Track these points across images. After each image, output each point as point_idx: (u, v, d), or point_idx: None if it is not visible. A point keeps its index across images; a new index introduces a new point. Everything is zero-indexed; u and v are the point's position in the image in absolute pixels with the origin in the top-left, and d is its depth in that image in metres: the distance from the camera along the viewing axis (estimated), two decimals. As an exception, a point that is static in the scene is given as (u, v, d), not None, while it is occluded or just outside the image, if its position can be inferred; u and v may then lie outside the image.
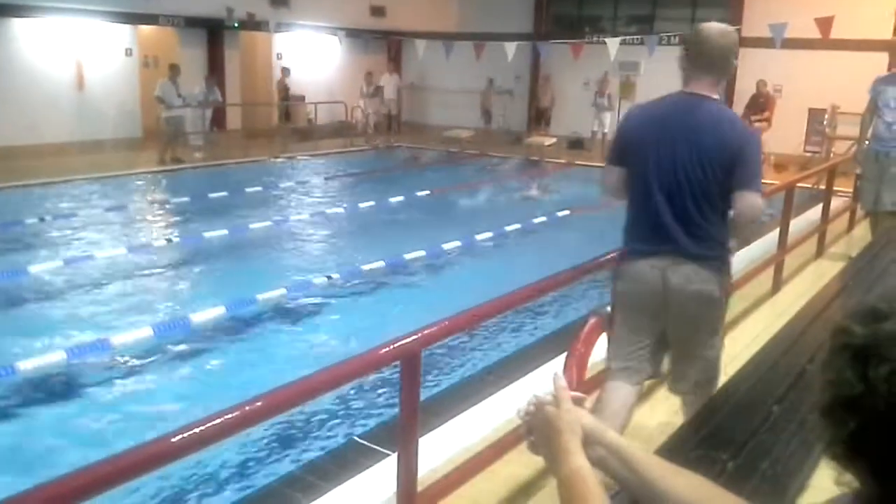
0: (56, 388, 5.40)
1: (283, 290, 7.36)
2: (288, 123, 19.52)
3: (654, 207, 3.25)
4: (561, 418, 1.34)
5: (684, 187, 3.19)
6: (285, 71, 19.42)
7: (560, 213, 11.33)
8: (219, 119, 17.84)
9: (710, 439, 2.97)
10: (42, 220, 10.08)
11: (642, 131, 3.33)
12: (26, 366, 5.46)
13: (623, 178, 3.40)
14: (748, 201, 3.13)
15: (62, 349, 5.81)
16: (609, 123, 18.60)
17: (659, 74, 18.14)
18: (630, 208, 3.43)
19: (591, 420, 1.39)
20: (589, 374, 4.00)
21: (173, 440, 1.98)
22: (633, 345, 3.44)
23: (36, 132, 14.85)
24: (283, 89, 19.48)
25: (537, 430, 1.37)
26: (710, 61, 3.23)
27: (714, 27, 3.29)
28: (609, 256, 3.95)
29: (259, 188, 12.98)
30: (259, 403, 2.18)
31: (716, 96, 3.29)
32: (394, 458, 3.51)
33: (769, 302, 6.63)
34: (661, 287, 3.29)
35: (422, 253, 8.72)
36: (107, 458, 1.87)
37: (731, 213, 3.23)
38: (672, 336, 3.42)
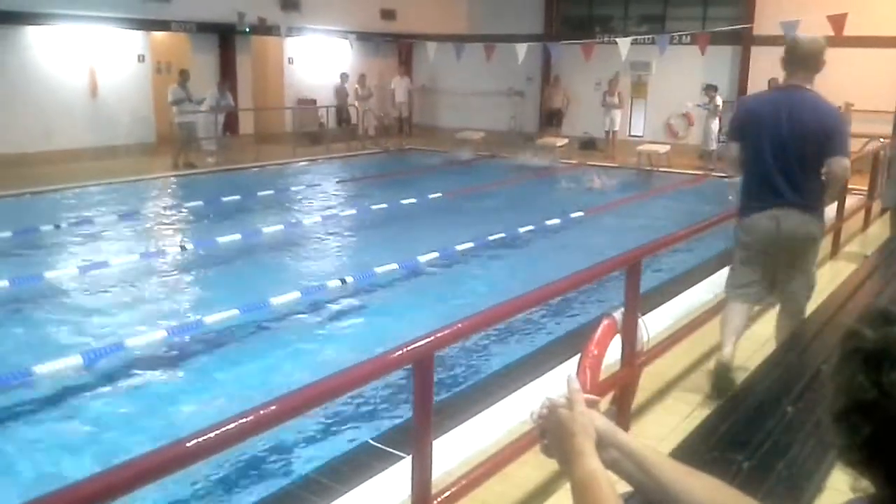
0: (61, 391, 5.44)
1: (297, 294, 7.40)
2: (349, 127, 19.88)
3: (767, 171, 4.28)
4: (574, 420, 1.33)
5: (790, 154, 4.21)
6: (343, 77, 19.66)
7: (574, 215, 11.33)
8: (231, 124, 17.91)
9: (725, 440, 2.96)
10: (57, 226, 10.15)
11: (757, 113, 4.39)
12: (42, 370, 5.51)
13: (739, 151, 4.41)
14: (840, 164, 4.18)
15: (78, 353, 5.85)
16: (619, 122, 18.56)
17: (671, 73, 18.28)
18: (746, 173, 4.46)
19: (605, 422, 1.38)
20: (603, 375, 3.99)
21: (188, 445, 1.98)
22: (749, 277, 4.59)
23: (50, 139, 14.97)
24: (344, 95, 19.74)
25: (550, 432, 1.36)
26: (802, 61, 4.26)
27: (805, 37, 4.41)
28: (616, 260, 3.95)
29: (271, 192, 13.03)
30: (273, 407, 2.18)
31: (809, 86, 4.29)
32: (408, 460, 3.51)
33: (784, 301, 6.58)
34: (775, 231, 4.35)
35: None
36: (120, 463, 1.87)
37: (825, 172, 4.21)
38: (783, 267, 4.51)
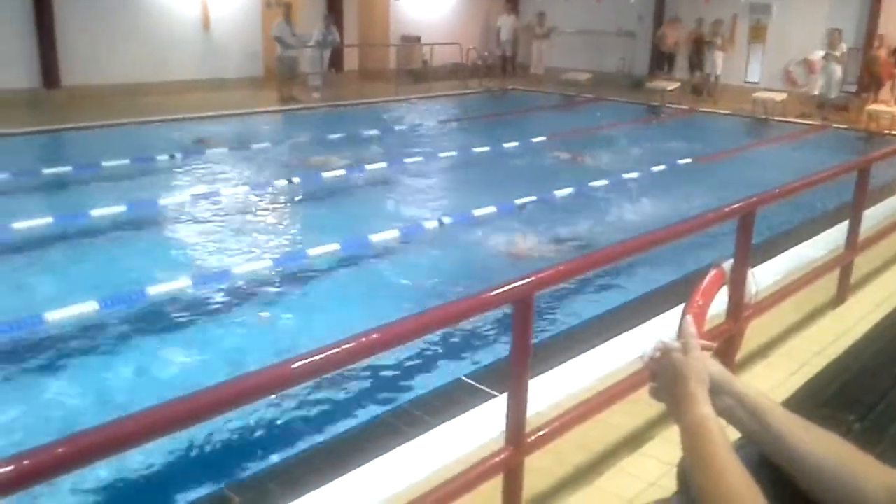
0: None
1: (395, 233, 7.48)
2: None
3: None
4: (688, 365, 1.29)
5: None
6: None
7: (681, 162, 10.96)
8: (336, 60, 18.03)
9: (836, 399, 2.83)
10: (172, 156, 10.55)
11: None
12: (156, 290, 5.80)
13: None
14: None
15: (187, 277, 6.13)
16: (721, 65, 17.71)
17: (793, 17, 17.19)
18: None
19: (720, 369, 1.33)
20: (706, 326, 3.87)
21: (293, 367, 2.04)
22: None
23: (163, 70, 15.45)
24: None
25: (662, 375, 1.33)
26: None
27: None
28: (729, 209, 3.79)
29: (374, 130, 13.11)
30: (376, 335, 2.21)
31: None
32: (499, 399, 3.53)
33: (902, 262, 6.22)
34: None
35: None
36: (232, 378, 1.95)
37: None
38: None
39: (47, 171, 9.42)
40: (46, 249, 6.91)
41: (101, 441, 1.67)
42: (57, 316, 5.31)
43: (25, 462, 1.53)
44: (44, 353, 4.98)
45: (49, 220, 7.45)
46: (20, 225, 7.20)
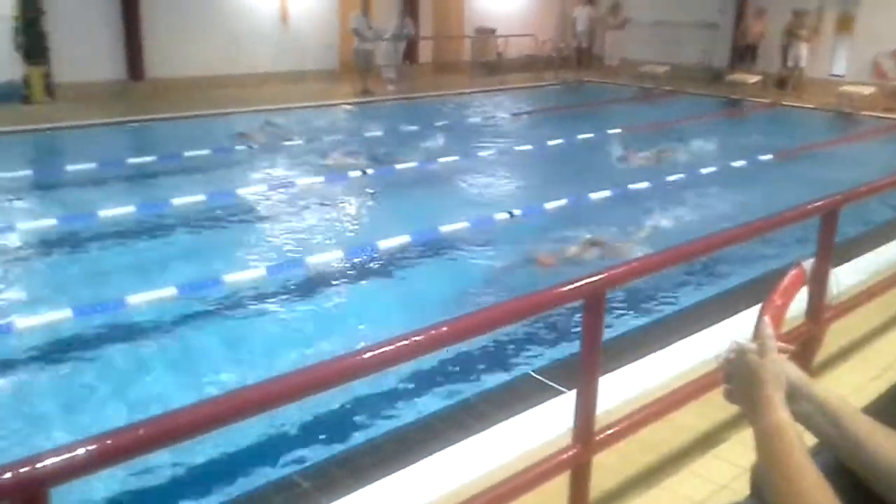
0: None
1: (465, 224, 7.48)
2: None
3: None
4: (765, 368, 1.26)
5: None
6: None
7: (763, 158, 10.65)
8: (411, 52, 18.12)
9: (921, 408, 2.73)
10: (250, 147, 10.81)
11: None
12: (231, 279, 5.95)
13: None
14: None
15: (263, 266, 6.27)
16: (805, 57, 17.08)
17: (883, 7, 16.42)
18: None
19: (798, 374, 1.30)
20: (785, 327, 3.75)
21: (364, 357, 2.07)
22: None
23: (242, 62, 15.78)
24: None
25: (737, 378, 1.30)
26: None
27: None
28: (811, 206, 3.66)
29: (447, 122, 13.11)
30: (445, 329, 2.23)
31: None
32: (568, 395, 3.50)
33: None
34: None
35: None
36: (304, 367, 1.99)
37: None
38: None
39: (139, 160, 9.74)
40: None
41: (178, 425, 1.73)
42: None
43: (108, 441, 1.59)
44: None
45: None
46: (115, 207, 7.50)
